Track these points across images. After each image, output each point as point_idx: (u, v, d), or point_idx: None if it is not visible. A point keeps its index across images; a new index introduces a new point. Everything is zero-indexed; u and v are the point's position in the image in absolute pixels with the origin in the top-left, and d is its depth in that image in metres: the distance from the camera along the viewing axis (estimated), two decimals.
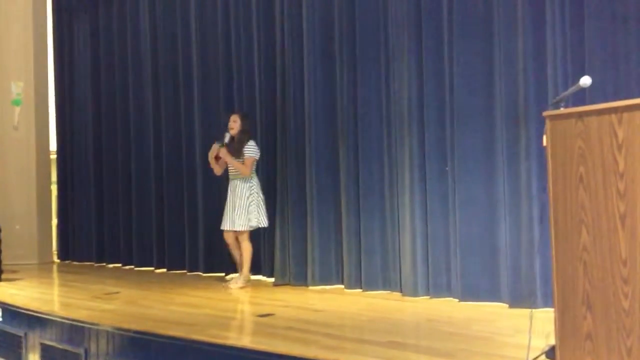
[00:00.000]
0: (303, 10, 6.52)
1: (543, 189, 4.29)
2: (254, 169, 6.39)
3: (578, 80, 3.33)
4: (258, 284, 6.78)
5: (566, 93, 3.48)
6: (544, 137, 3.24)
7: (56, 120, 9.82)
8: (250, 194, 6.33)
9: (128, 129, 8.66)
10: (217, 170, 6.56)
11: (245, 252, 6.40)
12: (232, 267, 7.06)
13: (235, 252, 6.50)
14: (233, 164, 6.32)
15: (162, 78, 8.22)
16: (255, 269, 7.01)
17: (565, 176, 3.14)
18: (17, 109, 9.31)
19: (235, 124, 6.41)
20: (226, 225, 6.39)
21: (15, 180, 9.24)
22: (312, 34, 6.47)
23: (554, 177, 3.20)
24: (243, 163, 6.30)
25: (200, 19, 7.75)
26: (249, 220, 6.31)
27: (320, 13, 6.46)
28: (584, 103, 4.08)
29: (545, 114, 3.25)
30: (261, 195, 6.42)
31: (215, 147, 6.46)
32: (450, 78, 5.47)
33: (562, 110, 3.23)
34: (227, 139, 6.41)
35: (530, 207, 4.92)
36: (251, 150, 6.36)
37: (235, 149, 6.35)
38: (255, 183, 6.38)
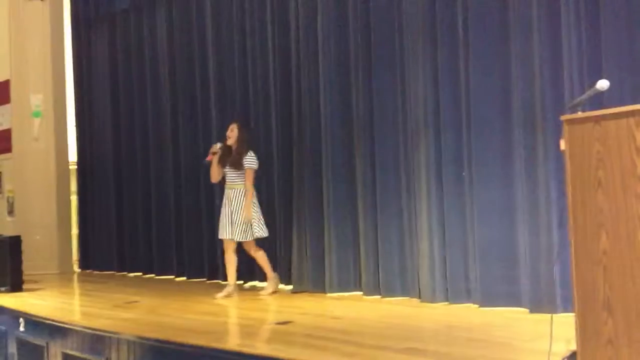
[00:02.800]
0: (318, 19, 6.54)
1: (562, 193, 4.27)
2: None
3: (595, 83, 3.31)
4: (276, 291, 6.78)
5: (583, 97, 3.45)
6: (562, 142, 3.22)
7: (76, 131, 9.90)
8: (255, 206, 6.34)
9: (147, 139, 8.73)
10: (216, 176, 6.47)
11: (260, 259, 6.46)
12: (250, 275, 7.11)
13: (233, 259, 6.48)
14: (247, 191, 6.29)
15: (180, 88, 8.28)
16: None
17: (583, 180, 3.12)
18: (37, 121, 9.41)
19: (232, 133, 6.36)
20: (225, 234, 6.38)
21: (36, 191, 9.34)
22: (327, 43, 6.48)
23: (572, 182, 3.18)
24: (244, 175, 6.29)
25: (216, 30, 7.80)
26: (253, 230, 6.32)
27: (335, 22, 6.47)
28: (601, 107, 4.05)
29: (562, 118, 3.23)
30: (257, 206, 6.41)
31: (215, 146, 6.42)
32: (466, 83, 5.46)
33: (580, 114, 3.21)
34: (217, 147, 6.38)
35: (548, 211, 4.89)
36: (251, 161, 6.32)
37: (235, 161, 6.30)
38: (254, 193, 6.39)
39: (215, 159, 6.41)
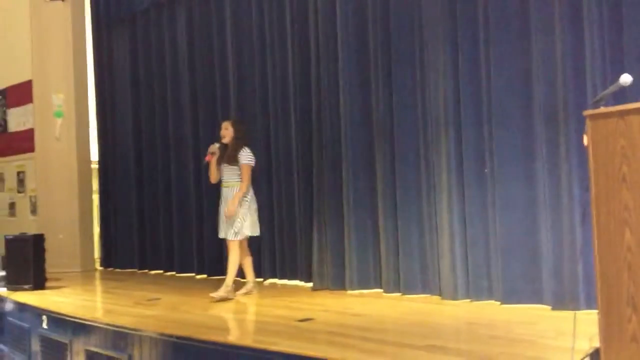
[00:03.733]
0: (337, 16, 6.53)
1: (585, 189, 4.25)
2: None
3: (618, 78, 3.28)
4: (296, 288, 6.79)
5: (606, 92, 3.43)
6: (585, 137, 3.20)
7: (98, 130, 9.98)
8: (245, 203, 6.13)
9: (167, 138, 8.78)
10: (215, 176, 6.29)
11: (231, 261, 6.17)
12: (271, 272, 7.12)
13: (243, 260, 6.36)
14: (240, 189, 6.07)
15: (199, 87, 8.31)
16: (292, 274, 7.06)
17: (607, 176, 3.10)
18: (59, 121, 9.49)
19: (227, 131, 6.23)
20: (221, 233, 6.28)
21: (58, 190, 9.42)
22: (346, 39, 6.48)
23: (595, 177, 3.16)
24: (239, 171, 6.11)
25: (236, 28, 7.83)
26: (243, 229, 6.13)
27: (355, 17, 6.46)
28: (624, 101, 4.01)
29: (585, 113, 3.21)
30: (254, 204, 6.23)
31: (214, 146, 6.29)
32: (487, 79, 5.44)
33: (603, 109, 3.19)
34: (216, 147, 6.25)
35: (571, 208, 4.86)
36: (247, 157, 6.15)
37: (229, 156, 6.15)
38: (249, 192, 6.19)
39: (214, 160, 6.29)
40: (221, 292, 6.09)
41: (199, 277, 8.15)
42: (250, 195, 6.22)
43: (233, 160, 6.14)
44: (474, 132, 5.53)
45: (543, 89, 5.07)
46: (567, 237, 4.88)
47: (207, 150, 6.39)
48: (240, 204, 6.10)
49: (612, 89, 3.39)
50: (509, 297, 5.19)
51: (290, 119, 7.14)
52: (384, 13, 6.21)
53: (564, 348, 3.31)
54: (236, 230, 6.12)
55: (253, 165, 6.20)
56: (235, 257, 6.18)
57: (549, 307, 4.95)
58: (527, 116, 5.22)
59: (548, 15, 5.05)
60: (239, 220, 6.12)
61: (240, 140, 6.21)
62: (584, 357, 3.25)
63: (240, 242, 6.25)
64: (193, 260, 8.28)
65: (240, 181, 6.12)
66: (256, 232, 6.29)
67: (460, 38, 5.63)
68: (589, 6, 4.85)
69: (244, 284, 6.54)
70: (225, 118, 6.76)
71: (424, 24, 5.92)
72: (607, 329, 3.09)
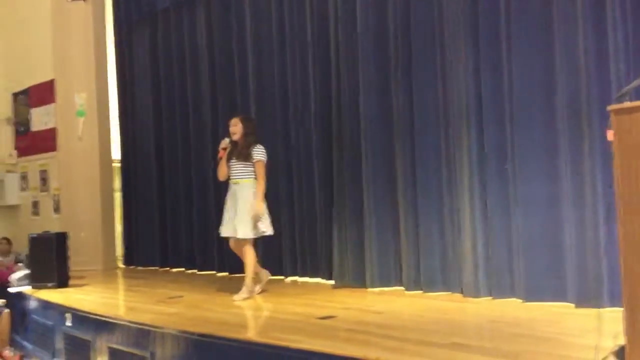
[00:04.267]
0: (357, 13, 6.51)
1: (609, 185, 4.18)
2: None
3: None
4: (317, 286, 6.79)
5: (630, 86, 3.38)
6: (609, 132, 3.16)
7: (119, 129, 10.06)
8: (248, 205, 5.92)
9: (188, 136, 8.82)
10: (224, 173, 6.08)
11: (248, 260, 6.05)
12: (292, 270, 7.13)
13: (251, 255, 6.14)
14: (259, 187, 5.90)
15: (219, 85, 8.35)
16: (313, 271, 7.05)
17: (632, 171, 3.06)
18: (81, 120, 9.57)
19: (236, 127, 6.06)
20: (227, 231, 6.04)
21: (81, 189, 9.50)
22: (366, 37, 6.45)
23: (620, 173, 3.11)
24: (253, 167, 5.94)
25: (255, 27, 7.84)
26: (257, 227, 5.95)
27: (374, 15, 6.44)
28: None
29: (609, 108, 3.17)
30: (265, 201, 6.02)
31: (225, 141, 6.15)
32: (509, 75, 5.39)
33: (627, 104, 3.14)
34: (227, 142, 6.12)
35: (595, 205, 4.80)
36: (260, 153, 5.99)
37: (243, 154, 5.99)
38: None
39: (225, 156, 6.11)
40: (243, 294, 6.03)
41: (219, 274, 8.18)
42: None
43: (245, 157, 5.97)
44: (495, 128, 5.49)
45: (566, 83, 5.02)
46: (590, 234, 4.83)
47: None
48: (262, 200, 5.95)
49: (636, 83, 3.35)
50: (532, 294, 5.14)
51: (310, 117, 7.13)
52: (404, 10, 6.18)
53: (588, 346, 3.28)
54: (262, 228, 5.97)
55: (266, 161, 6.05)
56: (252, 256, 6.09)
57: (573, 305, 4.90)
58: (549, 112, 5.16)
59: (570, 9, 5.00)
60: (262, 218, 5.97)
61: (251, 137, 6.04)
62: (609, 355, 3.21)
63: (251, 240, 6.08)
64: (214, 258, 8.31)
65: (255, 178, 5.96)
66: (270, 231, 6.11)
67: (482, 34, 5.58)
68: (613, 2, 4.79)
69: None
70: (233, 114, 6.56)
71: (445, 21, 5.88)
72: (632, 326, 3.05)
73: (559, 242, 5.06)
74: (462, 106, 5.70)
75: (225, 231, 6.08)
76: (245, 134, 6.04)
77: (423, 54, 6.04)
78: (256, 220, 5.92)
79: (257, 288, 6.27)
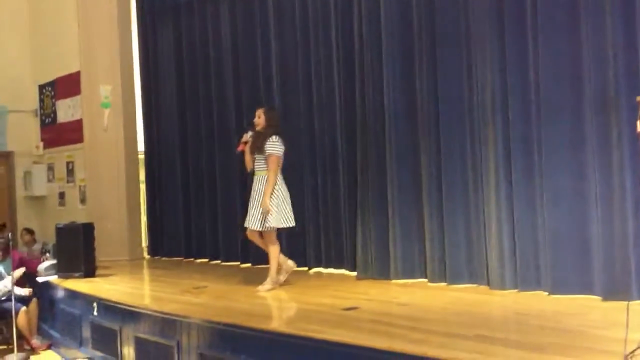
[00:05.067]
0: (381, 7, 6.48)
1: (637, 180, 4.14)
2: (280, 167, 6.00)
3: None
4: (341, 277, 6.81)
5: None
6: (638, 123, 3.13)
7: (143, 121, 10.11)
8: (275, 193, 5.90)
9: (212, 128, 8.85)
10: (250, 164, 6.08)
11: (271, 252, 6.06)
12: (317, 261, 7.14)
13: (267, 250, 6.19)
14: (269, 181, 5.86)
15: (243, 77, 8.36)
16: (338, 262, 7.07)
17: None
18: (106, 112, 9.63)
19: (259, 119, 6.03)
20: (248, 222, 6.05)
21: (106, 180, 9.58)
22: (390, 30, 6.43)
23: None
24: (265, 160, 5.91)
25: (279, 18, 7.84)
26: (267, 220, 5.90)
27: (399, 8, 6.40)
28: None
29: (639, 99, 3.13)
30: (282, 193, 5.96)
31: (246, 135, 6.14)
32: (535, 69, 5.33)
33: None
34: (248, 136, 6.10)
35: (623, 199, 4.75)
36: (274, 147, 5.91)
37: (258, 146, 5.95)
38: (278, 182, 5.94)
39: (247, 148, 6.10)
40: (268, 285, 6.03)
41: (243, 265, 8.22)
42: (280, 186, 5.97)
43: (261, 149, 5.95)
44: (521, 121, 5.44)
45: (593, 76, 4.95)
46: (618, 227, 4.77)
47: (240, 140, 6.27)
48: (271, 195, 5.89)
49: None
50: (558, 287, 5.11)
51: (335, 111, 7.12)
52: (429, 4, 6.13)
53: (616, 339, 3.25)
54: (270, 222, 5.92)
55: (280, 154, 5.95)
56: (275, 248, 6.09)
57: (600, 298, 4.86)
58: (576, 105, 5.10)
59: (598, 2, 4.92)
60: (278, 210, 5.94)
61: (271, 129, 5.98)
62: (637, 348, 3.18)
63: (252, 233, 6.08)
64: (237, 249, 8.35)
65: (268, 171, 5.92)
66: (286, 224, 6.03)
67: (508, 27, 5.52)
68: None
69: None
70: (258, 106, 6.56)
71: (470, 15, 5.83)
72: None
73: (586, 235, 5.02)
74: (487, 100, 5.66)
75: (246, 222, 6.11)
76: (267, 126, 6.02)
77: (448, 47, 6.00)
78: (265, 214, 5.89)
79: (281, 278, 6.27)
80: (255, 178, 6.05)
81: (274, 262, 6.08)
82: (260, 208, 5.90)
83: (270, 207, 5.88)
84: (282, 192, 5.98)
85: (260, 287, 6.03)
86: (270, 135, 5.94)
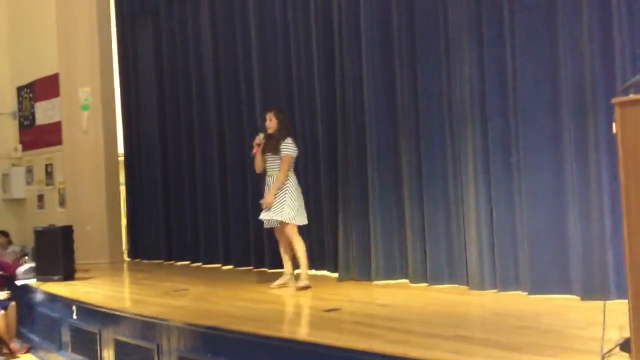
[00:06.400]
0: (361, 6, 6.49)
1: (613, 177, 4.18)
2: (292, 167, 6.21)
3: None
4: (322, 279, 6.80)
5: (636, 79, 3.37)
6: (614, 125, 3.16)
7: (123, 123, 10.06)
8: (284, 193, 6.08)
9: (192, 129, 8.83)
10: (260, 165, 6.28)
11: (297, 249, 6.18)
12: (295, 262, 7.13)
13: (283, 247, 6.33)
14: (277, 178, 6.07)
15: (224, 79, 8.34)
16: (319, 264, 7.06)
17: (637, 164, 3.05)
18: (86, 114, 9.57)
19: (271, 122, 6.21)
20: (267, 222, 6.25)
21: (86, 183, 9.52)
22: (370, 27, 6.43)
23: (625, 166, 3.11)
24: (280, 160, 6.10)
25: (259, 18, 7.82)
26: (284, 215, 6.08)
27: (378, 7, 6.42)
28: None
29: (614, 100, 3.16)
30: (294, 193, 6.15)
31: (259, 137, 6.28)
32: (513, 67, 5.38)
33: (632, 96, 3.14)
34: (261, 138, 6.25)
35: (600, 197, 4.80)
36: (288, 148, 6.14)
37: (273, 146, 6.16)
38: (290, 181, 6.14)
39: (259, 150, 6.30)
40: (305, 281, 6.13)
41: (225, 268, 8.20)
42: (292, 185, 6.16)
43: (276, 150, 6.15)
44: (500, 120, 5.48)
45: (570, 75, 5.00)
46: (595, 226, 4.82)
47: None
48: (278, 192, 6.07)
49: None
50: (537, 287, 5.14)
51: (316, 109, 7.13)
52: (408, 3, 6.16)
53: (594, 338, 3.28)
54: (289, 216, 6.10)
55: (294, 155, 6.22)
56: (301, 244, 6.17)
57: (578, 298, 4.90)
58: (554, 104, 5.15)
59: (575, 1, 4.97)
60: (287, 206, 6.08)
61: (284, 130, 6.21)
62: (614, 347, 3.22)
63: (289, 229, 6.18)
64: (219, 251, 8.33)
65: (279, 170, 6.11)
66: (300, 221, 6.21)
67: (486, 26, 5.56)
68: None
69: (270, 275, 6.57)
70: (266, 109, 6.61)
71: (449, 13, 5.86)
72: (637, 318, 3.05)
73: (564, 234, 5.06)
74: (466, 98, 5.69)
75: (265, 223, 6.28)
76: (279, 128, 6.20)
77: (427, 46, 6.03)
78: (265, 207, 6.12)
79: (278, 282, 6.31)
80: (270, 179, 6.20)
81: (303, 259, 6.18)
82: (262, 201, 6.12)
83: (291, 202, 6.08)
84: (294, 192, 6.16)
85: (297, 284, 6.13)
86: (285, 137, 6.16)
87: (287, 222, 6.10)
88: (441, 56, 5.95)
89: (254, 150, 6.31)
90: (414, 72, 6.11)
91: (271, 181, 6.18)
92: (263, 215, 6.20)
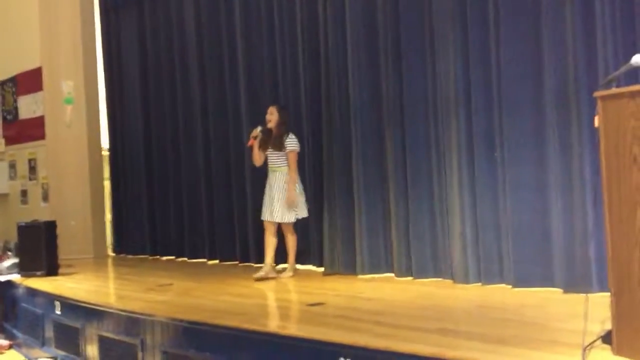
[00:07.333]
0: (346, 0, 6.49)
1: (596, 171, 4.20)
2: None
3: (630, 59, 3.24)
4: (308, 273, 6.80)
5: (618, 72, 3.39)
6: (596, 118, 3.17)
7: (107, 117, 9.99)
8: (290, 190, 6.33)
9: (177, 124, 8.78)
10: (258, 159, 6.50)
11: (289, 243, 6.48)
12: (283, 257, 7.13)
13: (271, 241, 6.49)
14: (290, 177, 6.31)
15: (209, 72, 8.30)
16: (304, 258, 7.06)
17: (618, 157, 3.07)
18: (69, 108, 9.50)
19: (272, 116, 6.40)
20: (266, 216, 6.44)
21: (70, 177, 9.45)
22: (355, 22, 6.43)
23: (607, 159, 3.13)
24: (286, 157, 6.33)
25: (245, 13, 7.78)
26: (292, 212, 6.34)
27: (364, 3, 6.41)
28: (637, 82, 3.97)
29: (596, 94, 3.18)
30: (300, 186, 6.43)
31: (256, 130, 6.44)
32: (497, 61, 5.39)
33: (614, 90, 3.15)
34: (258, 131, 6.41)
35: (583, 190, 4.83)
36: (293, 144, 6.35)
37: (276, 143, 6.34)
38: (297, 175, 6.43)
39: (256, 144, 6.44)
40: (289, 272, 6.46)
41: (210, 262, 8.18)
42: (299, 179, 6.43)
43: (279, 146, 6.31)
44: (484, 114, 5.50)
45: (554, 71, 5.02)
46: (578, 219, 4.85)
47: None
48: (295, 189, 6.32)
49: (623, 69, 3.35)
50: (521, 280, 5.17)
51: (301, 103, 7.11)
52: None
53: (576, 330, 3.29)
54: (298, 213, 6.38)
55: (298, 150, 6.40)
56: (294, 237, 6.47)
57: (561, 290, 4.93)
58: (537, 98, 5.17)
59: None
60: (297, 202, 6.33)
61: (284, 126, 6.36)
62: (596, 340, 3.24)
63: (269, 225, 6.45)
64: (204, 246, 8.31)
65: (287, 167, 6.31)
66: (306, 213, 6.49)
67: (470, 20, 5.57)
68: None
69: (256, 269, 6.55)
70: (265, 104, 6.80)
71: (434, 7, 5.86)
72: (619, 310, 3.07)
73: (547, 228, 5.09)
74: (450, 92, 5.70)
75: (263, 215, 6.47)
76: (279, 124, 6.33)
77: (412, 40, 6.03)
78: (290, 207, 6.32)
79: (260, 273, 6.42)
80: (273, 174, 6.39)
81: (293, 251, 6.47)
82: (285, 202, 6.30)
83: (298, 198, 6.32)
84: (299, 185, 6.42)
85: (283, 274, 6.43)
86: (287, 133, 6.34)
87: (295, 219, 6.38)
88: (426, 51, 5.95)
89: (250, 142, 6.46)
90: (399, 67, 6.11)
91: (274, 176, 6.36)
92: (274, 217, 6.35)
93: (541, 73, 5.14)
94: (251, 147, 6.52)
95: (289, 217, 6.36)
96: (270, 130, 6.41)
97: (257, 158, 6.50)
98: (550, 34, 5.05)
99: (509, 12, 5.29)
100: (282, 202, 6.31)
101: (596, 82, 4.63)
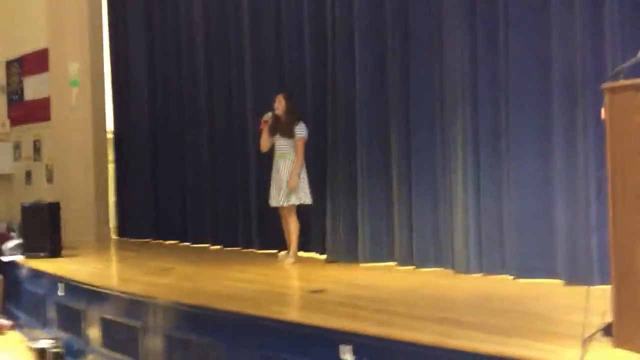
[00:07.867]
0: None
1: (601, 164, 4.19)
2: None
3: (638, 53, 3.22)
4: (310, 260, 6.82)
5: (626, 64, 3.36)
6: (602, 110, 3.16)
7: (113, 100, 9.98)
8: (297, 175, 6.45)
9: (182, 107, 8.78)
10: (266, 145, 6.62)
11: (292, 230, 6.57)
12: (285, 244, 7.14)
13: (286, 228, 6.66)
14: (297, 163, 6.43)
15: (215, 56, 8.28)
16: (306, 246, 7.07)
17: (624, 150, 3.06)
18: (75, 90, 9.49)
19: (280, 104, 6.51)
20: (273, 202, 6.57)
21: (74, 159, 9.45)
22: (362, 12, 6.40)
23: (612, 152, 3.12)
24: (294, 144, 6.44)
25: (252, 1, 7.74)
26: (295, 197, 6.46)
27: None
28: None
29: (604, 86, 3.17)
30: (305, 173, 6.54)
31: (267, 115, 6.57)
32: (505, 53, 5.37)
33: (622, 82, 3.14)
34: (269, 116, 6.55)
35: (587, 183, 4.83)
36: (302, 130, 6.46)
37: (286, 130, 6.45)
38: (303, 162, 6.52)
39: (266, 128, 6.57)
40: (292, 259, 6.52)
41: (213, 247, 8.20)
42: (304, 166, 6.54)
43: (287, 132, 6.43)
44: (490, 106, 5.48)
45: (561, 64, 5.00)
46: (581, 212, 4.85)
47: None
48: (299, 175, 6.44)
49: (631, 62, 3.33)
50: (522, 271, 5.18)
51: (306, 90, 7.09)
52: None
53: (577, 322, 3.30)
54: (301, 198, 6.48)
55: (306, 137, 6.50)
56: (297, 223, 6.56)
57: (562, 282, 4.94)
58: (544, 92, 5.15)
59: None
60: (301, 188, 6.47)
61: (294, 115, 6.48)
62: (596, 332, 3.24)
63: (283, 210, 6.59)
64: (207, 231, 8.32)
65: (295, 153, 6.43)
66: (309, 200, 6.57)
67: (478, 13, 5.55)
68: None
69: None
70: (270, 89, 7.01)
71: (443, 1, 5.83)
72: (620, 303, 3.08)
73: (550, 220, 5.09)
74: (457, 85, 5.68)
75: (272, 202, 6.60)
76: (287, 111, 6.48)
77: (420, 32, 6.01)
78: (292, 191, 6.44)
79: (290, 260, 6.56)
80: (281, 160, 6.51)
81: (295, 238, 6.56)
82: (287, 186, 6.41)
83: (301, 188, 6.46)
84: (305, 171, 6.54)
85: (286, 261, 6.53)
86: (296, 121, 6.46)
87: (300, 203, 6.48)
88: (433, 43, 5.92)
89: (261, 127, 6.59)
90: (406, 56, 6.09)
91: (281, 162, 6.49)
92: (280, 201, 6.46)
93: (548, 65, 5.12)
94: (260, 132, 6.62)
95: (294, 200, 6.47)
96: (277, 117, 6.50)
97: (265, 143, 6.62)
98: (559, 28, 5.03)
99: (518, 4, 5.27)
100: (287, 186, 6.45)
101: (603, 76, 4.61)
